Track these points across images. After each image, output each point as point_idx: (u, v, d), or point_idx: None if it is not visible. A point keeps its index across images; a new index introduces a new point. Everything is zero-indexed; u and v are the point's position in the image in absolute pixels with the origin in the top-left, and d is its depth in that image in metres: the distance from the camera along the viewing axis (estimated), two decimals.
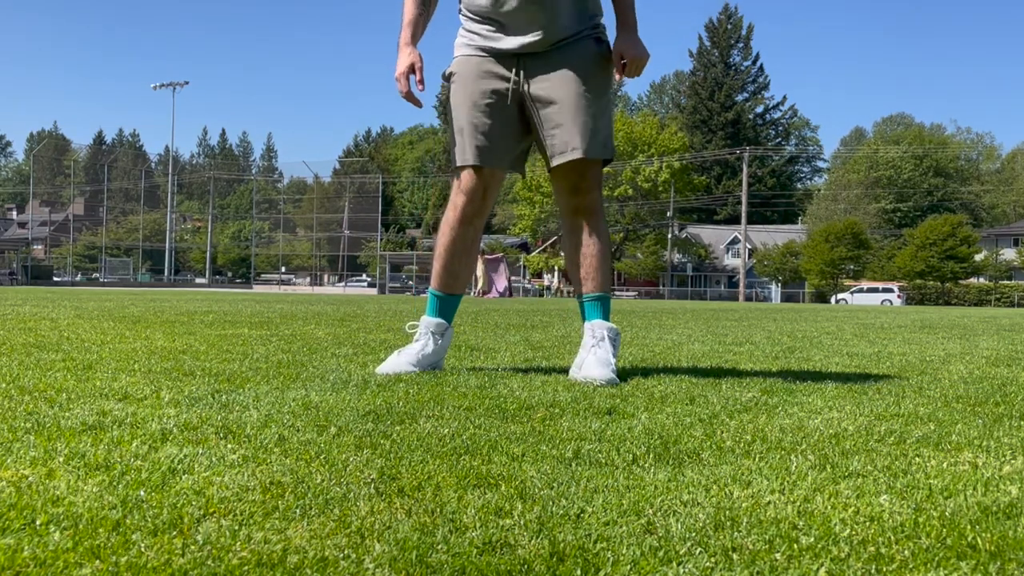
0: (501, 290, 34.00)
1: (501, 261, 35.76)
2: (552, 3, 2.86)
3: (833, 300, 54.67)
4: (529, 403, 2.24)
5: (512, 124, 2.98)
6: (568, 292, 55.59)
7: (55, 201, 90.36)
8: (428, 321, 3.08)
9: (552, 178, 3.03)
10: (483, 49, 2.96)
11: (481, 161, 2.95)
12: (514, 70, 2.93)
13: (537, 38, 2.89)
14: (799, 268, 57.33)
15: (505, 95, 2.94)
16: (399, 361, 2.99)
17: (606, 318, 3.01)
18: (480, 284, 31.89)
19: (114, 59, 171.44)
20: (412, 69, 2.95)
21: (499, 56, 2.94)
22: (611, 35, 3.07)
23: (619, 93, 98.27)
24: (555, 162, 2.94)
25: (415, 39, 3.02)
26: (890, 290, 53.72)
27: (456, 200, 3.03)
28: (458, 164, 3.01)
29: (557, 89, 2.90)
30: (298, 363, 3.20)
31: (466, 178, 2.99)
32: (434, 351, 3.06)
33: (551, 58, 2.92)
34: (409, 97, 2.96)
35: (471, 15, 2.98)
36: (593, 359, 2.87)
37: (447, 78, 3.06)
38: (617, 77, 2.97)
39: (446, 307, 3.12)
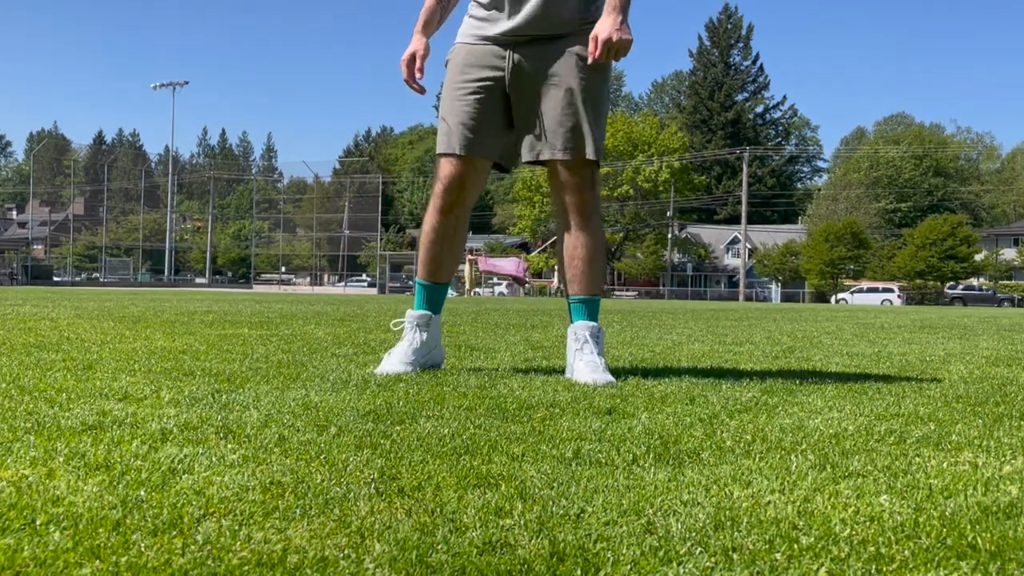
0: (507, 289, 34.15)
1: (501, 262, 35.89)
2: None
3: (833, 300, 54.67)
4: (529, 403, 2.24)
5: (498, 115, 2.94)
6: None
7: (55, 201, 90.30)
8: (411, 314, 3.07)
9: (549, 176, 3.00)
10: (482, 37, 2.94)
11: (460, 149, 2.93)
12: (507, 60, 2.89)
13: (536, 23, 2.85)
14: (799, 268, 57.33)
15: (493, 86, 2.91)
16: (392, 361, 2.97)
17: (591, 319, 2.97)
18: (468, 286, 31.98)
19: (114, 59, 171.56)
20: (415, 56, 2.94)
21: (495, 43, 2.91)
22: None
23: (620, 93, 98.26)
24: (531, 157, 2.93)
25: (426, 28, 3.01)
26: (890, 290, 53.73)
27: (436, 188, 3.02)
28: (438, 151, 3.01)
29: (549, 84, 2.85)
30: (298, 363, 3.20)
31: (445, 166, 2.97)
32: (424, 343, 3.02)
33: (547, 51, 2.87)
34: (409, 83, 2.94)
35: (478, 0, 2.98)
36: (582, 365, 2.83)
37: (447, 64, 3.05)
38: (591, 58, 2.82)
39: (431, 296, 3.09)
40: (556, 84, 2.84)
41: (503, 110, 2.94)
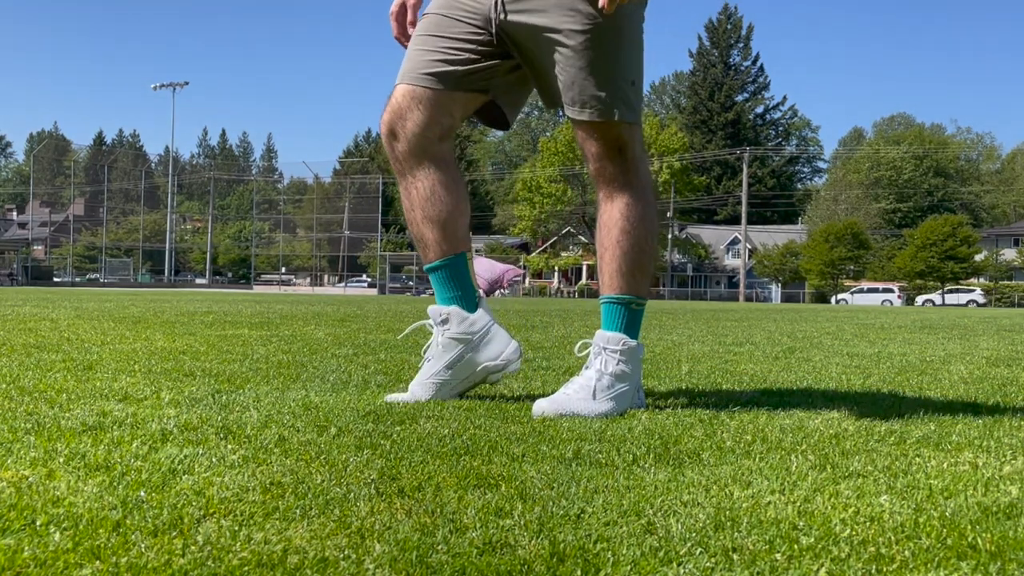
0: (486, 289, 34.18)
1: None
2: None
3: (833, 300, 54.68)
4: (529, 403, 2.24)
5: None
6: (567, 292, 55.59)
7: (55, 202, 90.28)
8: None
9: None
10: None
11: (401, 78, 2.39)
12: None
13: None
14: (799, 268, 57.36)
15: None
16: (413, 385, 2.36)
17: (618, 328, 2.29)
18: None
19: (114, 59, 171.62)
20: (404, 7, 2.45)
21: None
22: None
23: None
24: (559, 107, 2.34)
25: None
26: (890, 290, 53.80)
27: None
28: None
29: (542, 20, 2.23)
30: (298, 364, 3.20)
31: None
32: (442, 345, 2.33)
33: None
34: (400, 40, 2.45)
35: None
36: (567, 387, 2.22)
37: None
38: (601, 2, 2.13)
39: (435, 284, 2.40)
40: (551, 27, 2.22)
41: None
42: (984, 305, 49.99)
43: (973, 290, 53.42)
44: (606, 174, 2.31)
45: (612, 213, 2.32)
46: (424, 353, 2.38)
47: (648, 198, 2.35)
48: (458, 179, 2.43)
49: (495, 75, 2.35)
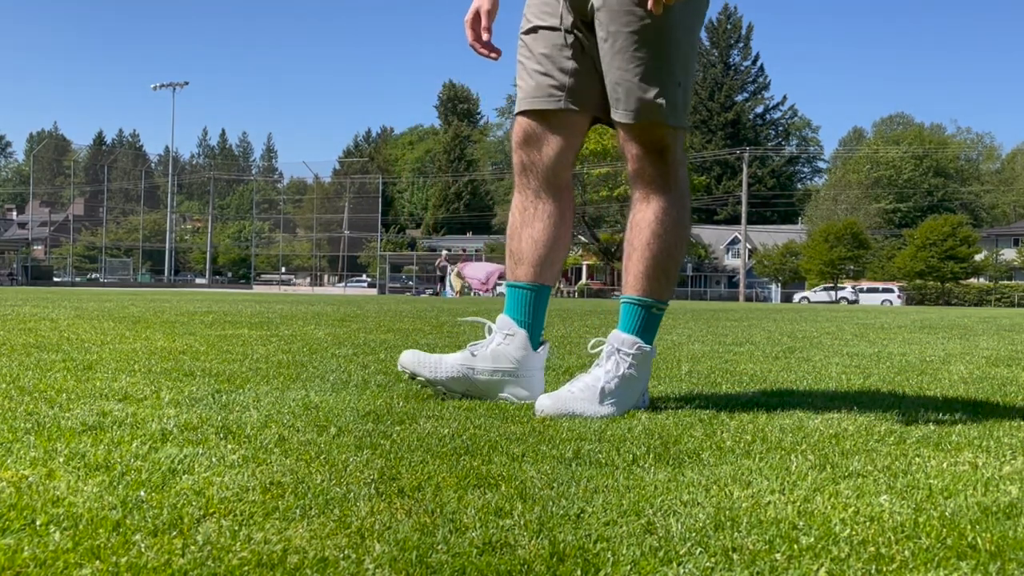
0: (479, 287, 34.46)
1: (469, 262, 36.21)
2: None
3: (836, 295, 54.69)
4: (529, 403, 2.24)
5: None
6: (566, 292, 55.60)
7: (55, 201, 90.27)
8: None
9: None
10: None
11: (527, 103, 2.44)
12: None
13: None
14: (799, 268, 57.35)
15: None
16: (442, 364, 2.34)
17: (634, 331, 2.26)
18: (458, 286, 32.21)
19: (114, 59, 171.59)
20: (479, 14, 2.36)
21: None
22: None
23: None
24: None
25: None
26: (890, 290, 53.82)
27: None
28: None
29: (599, 23, 2.24)
30: (298, 363, 3.20)
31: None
32: (493, 352, 2.33)
33: None
34: (475, 47, 2.36)
35: None
36: (573, 384, 2.20)
37: None
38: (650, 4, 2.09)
39: (514, 301, 2.38)
40: (602, 25, 2.24)
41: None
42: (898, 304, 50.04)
43: (892, 289, 53.35)
44: (645, 176, 2.30)
45: (646, 214, 2.31)
46: (468, 345, 2.38)
47: (684, 203, 2.36)
48: (572, 210, 2.46)
49: (593, 88, 2.33)
